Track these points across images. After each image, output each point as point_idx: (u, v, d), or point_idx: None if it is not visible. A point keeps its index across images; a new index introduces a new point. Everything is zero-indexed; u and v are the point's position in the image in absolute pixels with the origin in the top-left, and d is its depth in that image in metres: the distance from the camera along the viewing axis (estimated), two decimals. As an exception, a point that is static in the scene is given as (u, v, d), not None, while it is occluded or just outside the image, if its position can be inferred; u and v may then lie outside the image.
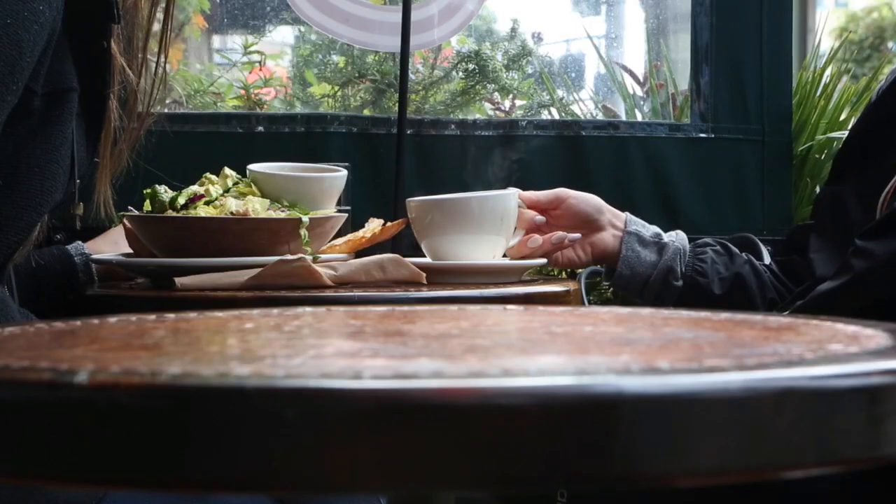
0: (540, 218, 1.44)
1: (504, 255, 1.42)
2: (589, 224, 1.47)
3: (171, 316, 0.74)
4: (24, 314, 1.09)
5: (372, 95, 2.47)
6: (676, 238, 1.49)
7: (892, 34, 8.44)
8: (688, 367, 0.47)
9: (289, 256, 1.23)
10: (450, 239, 1.37)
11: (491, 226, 1.37)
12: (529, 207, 1.45)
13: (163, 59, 1.23)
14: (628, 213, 1.51)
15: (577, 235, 1.44)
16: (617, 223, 1.49)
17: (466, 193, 1.43)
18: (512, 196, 1.40)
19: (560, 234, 1.42)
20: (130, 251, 1.39)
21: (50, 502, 0.95)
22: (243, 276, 1.22)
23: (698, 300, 1.44)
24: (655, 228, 1.51)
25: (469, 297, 1.23)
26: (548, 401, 0.41)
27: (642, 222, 1.51)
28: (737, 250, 1.51)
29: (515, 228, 1.43)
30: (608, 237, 1.48)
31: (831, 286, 1.19)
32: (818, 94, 2.36)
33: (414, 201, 1.41)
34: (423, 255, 1.45)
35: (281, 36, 2.98)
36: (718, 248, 1.50)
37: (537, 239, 1.41)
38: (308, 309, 0.79)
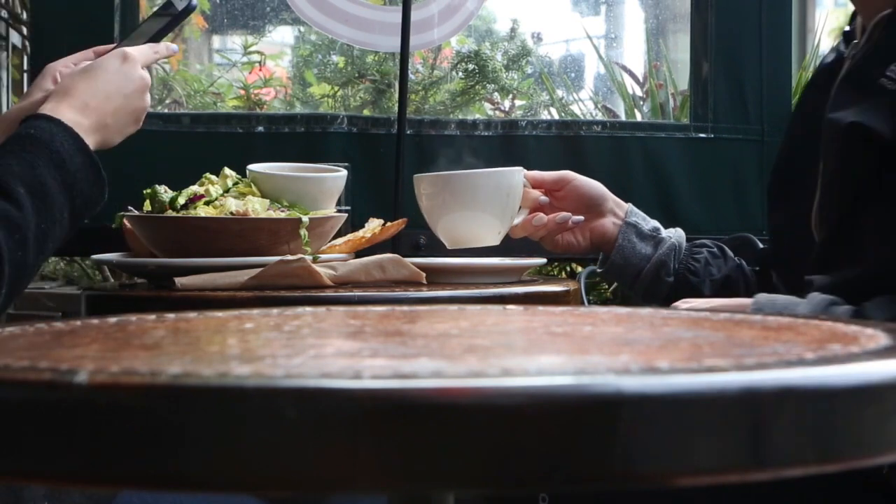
0: (544, 198, 1.45)
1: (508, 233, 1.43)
2: (591, 208, 1.47)
3: (171, 316, 0.74)
4: None
5: (372, 95, 2.47)
6: (674, 234, 1.50)
7: (891, 34, 8.43)
8: (687, 366, 0.47)
9: (289, 256, 1.23)
10: (457, 215, 1.39)
11: (497, 201, 1.38)
12: (534, 187, 1.46)
13: None
14: (631, 205, 1.51)
15: (581, 218, 1.45)
16: (619, 212, 1.49)
17: (474, 170, 1.44)
18: (518, 172, 1.41)
19: (564, 214, 1.43)
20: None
21: None
22: (243, 276, 1.22)
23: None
24: (655, 223, 1.51)
25: (469, 297, 1.23)
26: (547, 401, 0.41)
27: (643, 215, 1.51)
28: (731, 254, 1.51)
29: (520, 207, 1.44)
30: (608, 224, 1.48)
31: None
32: (818, 94, 2.36)
33: (422, 177, 1.42)
34: (423, 256, 1.45)
35: (281, 36, 2.98)
36: (715, 250, 1.50)
37: (542, 217, 1.43)
38: (308, 309, 0.79)
